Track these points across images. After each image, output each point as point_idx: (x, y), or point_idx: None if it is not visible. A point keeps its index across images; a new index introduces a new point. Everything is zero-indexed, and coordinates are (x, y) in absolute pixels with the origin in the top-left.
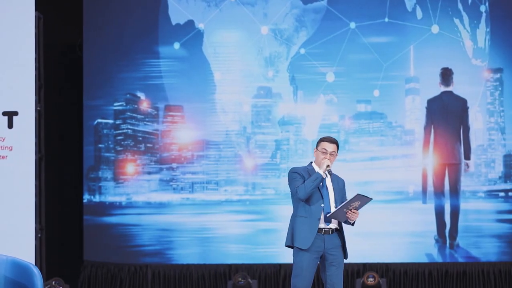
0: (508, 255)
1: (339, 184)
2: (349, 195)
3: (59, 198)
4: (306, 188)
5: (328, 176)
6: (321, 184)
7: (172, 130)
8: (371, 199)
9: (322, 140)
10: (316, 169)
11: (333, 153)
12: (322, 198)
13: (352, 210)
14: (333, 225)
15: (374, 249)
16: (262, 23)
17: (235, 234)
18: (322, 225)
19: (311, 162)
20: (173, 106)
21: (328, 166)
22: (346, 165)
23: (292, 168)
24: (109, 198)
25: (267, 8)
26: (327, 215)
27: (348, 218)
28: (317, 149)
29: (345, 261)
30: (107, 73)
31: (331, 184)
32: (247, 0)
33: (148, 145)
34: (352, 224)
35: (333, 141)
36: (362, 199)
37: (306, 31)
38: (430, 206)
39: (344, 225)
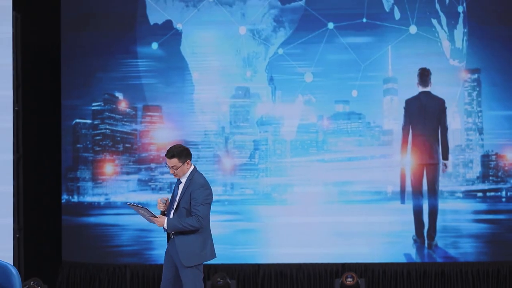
0: (486, 255)
1: (188, 189)
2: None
3: (38, 198)
4: None
5: (183, 183)
6: (175, 189)
7: (151, 130)
8: (144, 207)
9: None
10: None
11: (174, 167)
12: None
13: (151, 217)
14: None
15: (352, 249)
16: (240, 23)
17: (214, 234)
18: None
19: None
20: (151, 106)
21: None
22: (324, 165)
23: None
24: (88, 198)
25: (245, 8)
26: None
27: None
28: None
29: (324, 261)
30: (85, 73)
31: (180, 190)
32: (225, 0)
33: (127, 145)
34: (166, 231)
35: (170, 156)
36: (142, 209)
37: (284, 31)
38: (409, 206)
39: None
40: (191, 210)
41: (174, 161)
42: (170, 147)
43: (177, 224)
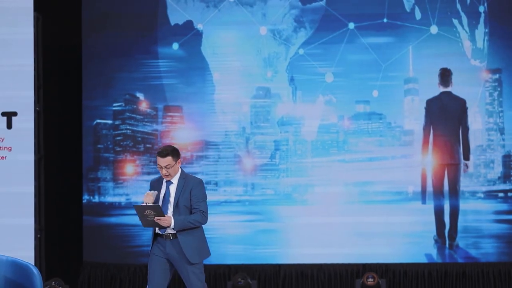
0: (507, 256)
1: (185, 187)
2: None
3: (59, 198)
4: None
5: (175, 183)
6: (164, 191)
7: (171, 131)
8: (158, 206)
9: (156, 154)
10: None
11: (168, 166)
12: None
13: (157, 218)
14: (170, 230)
15: (373, 250)
16: (260, 24)
17: (235, 235)
18: (159, 231)
19: None
20: (172, 107)
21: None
22: (345, 165)
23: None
24: (109, 199)
25: (266, 8)
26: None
27: (161, 225)
28: None
29: (345, 261)
30: (106, 74)
31: (175, 190)
32: (246, 0)
33: (147, 145)
34: (173, 229)
35: (164, 154)
36: (152, 208)
37: (305, 31)
38: (430, 207)
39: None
40: (191, 207)
41: (169, 159)
42: (162, 147)
43: (185, 221)
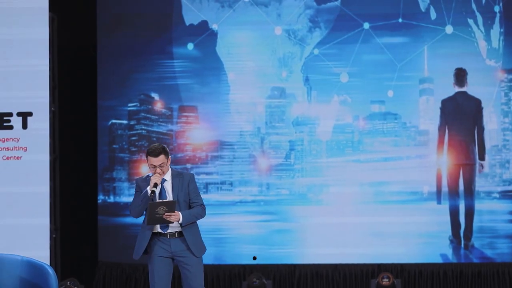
0: None
1: (182, 183)
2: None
3: (74, 198)
4: (134, 207)
5: (169, 180)
6: (158, 190)
7: (186, 131)
8: (173, 201)
9: (147, 154)
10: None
11: (162, 164)
12: None
13: (167, 214)
14: (176, 228)
15: (388, 250)
16: (275, 24)
17: (250, 235)
18: (161, 230)
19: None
20: (187, 107)
21: (155, 184)
22: (360, 165)
23: (136, 179)
24: (124, 199)
25: (281, 8)
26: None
27: (170, 220)
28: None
29: (360, 261)
30: (121, 74)
31: (171, 186)
32: (261, 0)
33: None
34: (181, 225)
35: (157, 153)
36: (165, 204)
37: (319, 31)
38: (445, 207)
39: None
40: (190, 201)
41: (162, 157)
42: (153, 147)
43: (190, 216)
